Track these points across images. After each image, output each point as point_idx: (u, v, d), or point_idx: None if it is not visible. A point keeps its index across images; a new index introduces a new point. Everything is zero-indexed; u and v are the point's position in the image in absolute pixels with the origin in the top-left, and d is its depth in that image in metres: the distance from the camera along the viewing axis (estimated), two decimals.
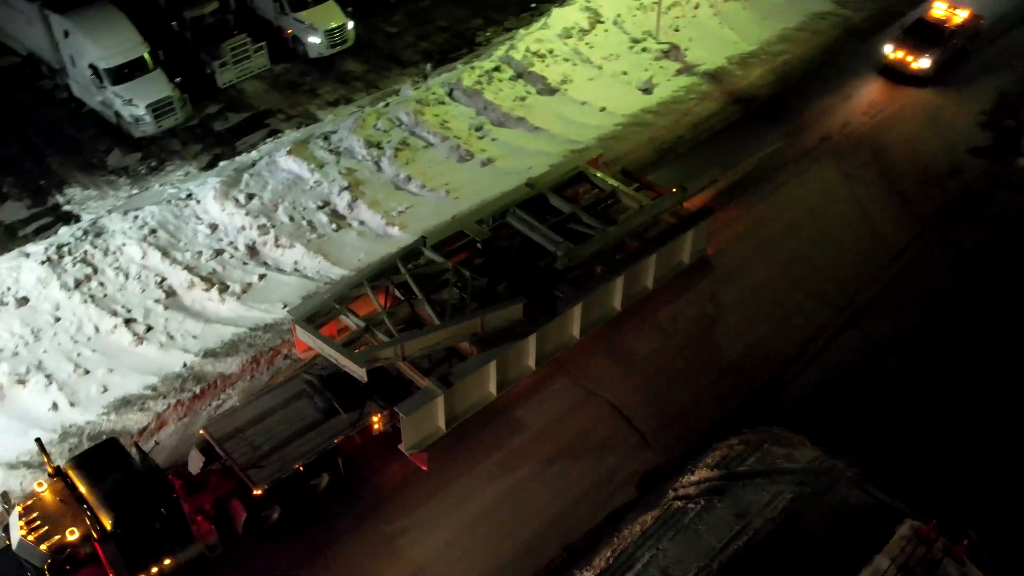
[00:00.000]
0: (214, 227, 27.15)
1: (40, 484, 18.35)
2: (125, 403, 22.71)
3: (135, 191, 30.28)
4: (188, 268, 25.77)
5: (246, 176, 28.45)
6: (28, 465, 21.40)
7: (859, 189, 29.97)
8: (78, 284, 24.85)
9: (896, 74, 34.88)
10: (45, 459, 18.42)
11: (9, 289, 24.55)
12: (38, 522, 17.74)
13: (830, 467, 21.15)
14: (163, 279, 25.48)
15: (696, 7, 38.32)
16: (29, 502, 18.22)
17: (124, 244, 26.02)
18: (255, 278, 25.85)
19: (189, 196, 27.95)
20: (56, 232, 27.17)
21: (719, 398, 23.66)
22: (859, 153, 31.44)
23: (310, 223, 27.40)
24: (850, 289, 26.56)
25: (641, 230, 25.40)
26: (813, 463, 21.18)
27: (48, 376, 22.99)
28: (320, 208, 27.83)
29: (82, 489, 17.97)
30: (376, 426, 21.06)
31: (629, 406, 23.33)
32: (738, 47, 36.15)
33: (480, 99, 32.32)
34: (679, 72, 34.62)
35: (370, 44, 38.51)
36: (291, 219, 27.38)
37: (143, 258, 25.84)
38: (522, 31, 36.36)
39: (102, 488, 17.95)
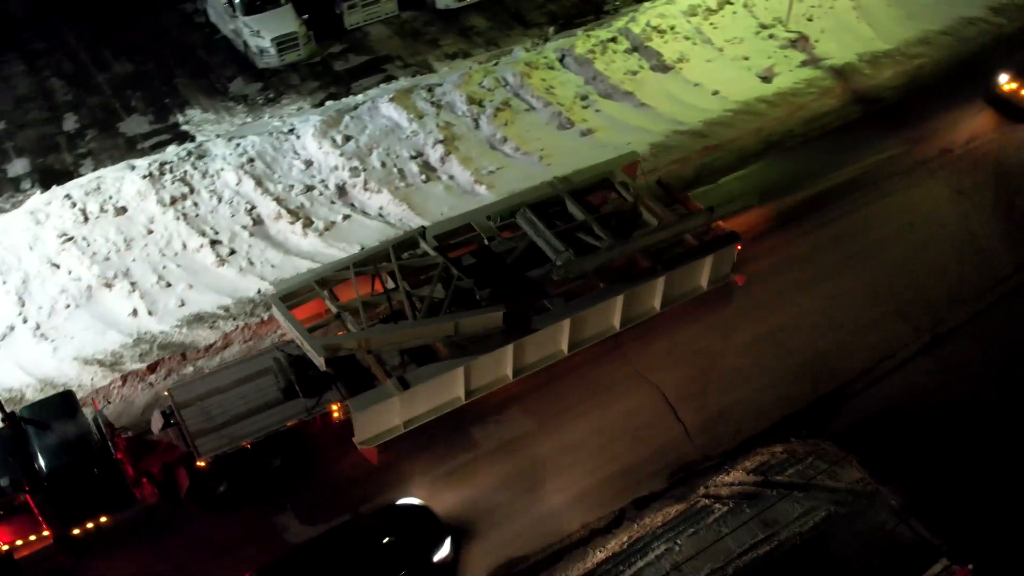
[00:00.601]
0: (309, 163, 28.01)
1: None
2: (198, 319, 23.89)
3: (248, 119, 31.50)
4: (278, 200, 26.74)
5: (347, 118, 29.16)
6: (101, 363, 22.92)
7: (970, 208, 28.19)
8: (174, 201, 26.18)
9: (1009, 107, 31.71)
10: None
11: (111, 198, 26.07)
12: None
13: (873, 492, 20.42)
14: (253, 207, 26.54)
15: None
16: None
17: (222, 169, 27.19)
18: (339, 217, 26.61)
19: (291, 131, 28.89)
20: (165, 150, 28.65)
21: (774, 402, 23.07)
22: (978, 172, 29.52)
23: (401, 171, 27.91)
24: (938, 311, 25.19)
25: (656, 248, 23.81)
26: (856, 484, 20.48)
27: (133, 284, 24.41)
28: (413, 158, 28.29)
29: (26, 437, 18.62)
30: (335, 415, 20.70)
31: (678, 397, 23.06)
32: (872, 44, 34.32)
33: (590, 68, 31.98)
34: (803, 64, 33.21)
35: (498, 1, 38.61)
36: (383, 165, 27.95)
37: (237, 184, 26.95)
38: (647, 3, 35.64)
39: (43, 439, 18.56)
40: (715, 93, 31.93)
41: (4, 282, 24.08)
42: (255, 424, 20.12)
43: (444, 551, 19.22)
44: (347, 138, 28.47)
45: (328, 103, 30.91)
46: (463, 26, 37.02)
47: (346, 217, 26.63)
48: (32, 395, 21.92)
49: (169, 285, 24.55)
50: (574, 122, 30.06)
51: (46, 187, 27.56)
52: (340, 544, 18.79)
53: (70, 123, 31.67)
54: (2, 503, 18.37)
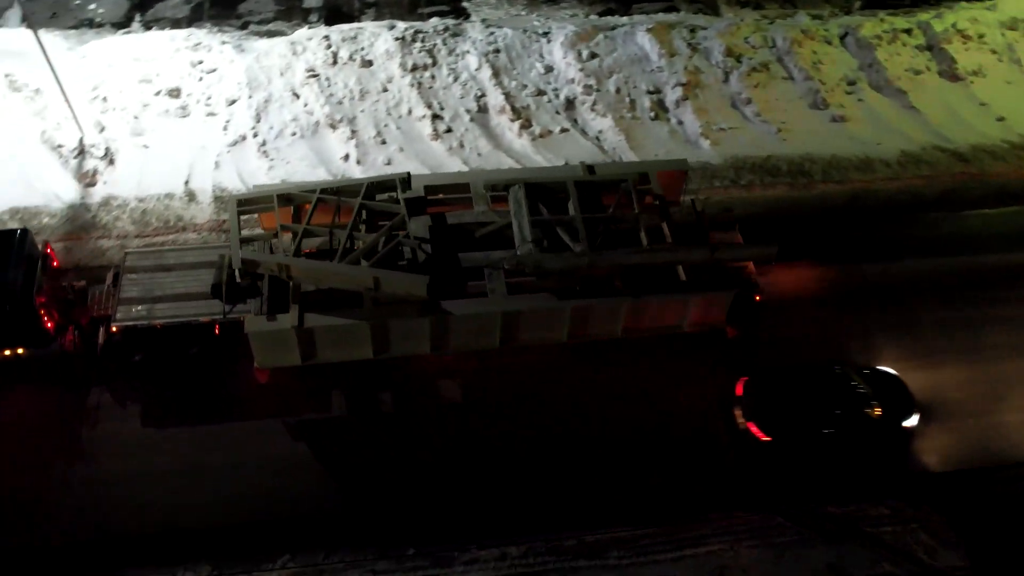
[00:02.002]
0: (549, 69, 28.41)
1: None
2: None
3: (522, 13, 32.20)
4: (507, 95, 27.45)
5: (601, 36, 29.11)
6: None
7: None
8: (415, 69, 27.58)
9: None
10: None
11: (362, 49, 27.85)
12: None
13: None
14: (482, 95, 27.45)
15: None
16: None
17: (468, 52, 28.22)
18: (557, 128, 26.98)
19: (545, 34, 29.32)
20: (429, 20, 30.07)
21: (927, 451, 21.52)
22: None
23: (632, 102, 27.70)
24: None
25: (648, 267, 20.59)
26: (947, 571, 18.77)
27: (353, 132, 26.23)
28: (649, 92, 27.93)
29: None
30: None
31: None
32: None
33: (870, 54, 29.74)
34: None
35: None
36: (617, 91, 27.84)
37: (477, 70, 27.90)
38: (964, 2, 32.34)
39: None
40: (1000, 119, 28.82)
41: (250, 96, 26.65)
42: (174, 310, 20.70)
43: (912, 420, 21.50)
44: (593, 55, 28.51)
45: (589, 17, 30.98)
46: None
47: (564, 130, 26.98)
48: None
49: (384, 143, 26.17)
50: (829, 104, 28.31)
51: (330, 25, 29.94)
52: (821, 379, 21.66)
53: None
54: None
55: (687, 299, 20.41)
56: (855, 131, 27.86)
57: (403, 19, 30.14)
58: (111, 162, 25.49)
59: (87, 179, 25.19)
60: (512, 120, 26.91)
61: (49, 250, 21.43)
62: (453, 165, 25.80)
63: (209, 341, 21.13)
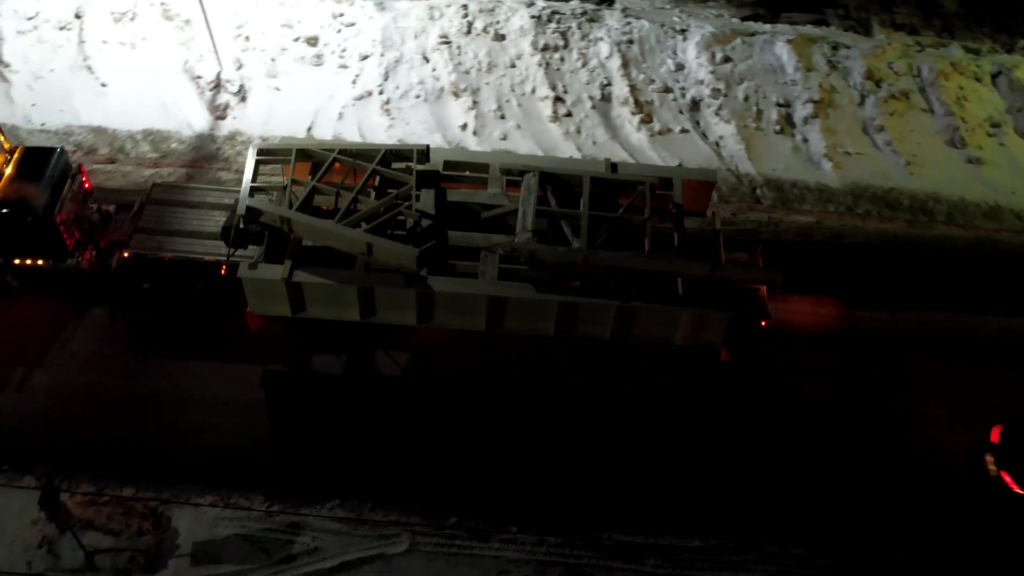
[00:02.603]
0: (679, 67, 28.05)
1: None
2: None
3: (666, 7, 31.78)
4: (633, 87, 27.28)
5: (738, 40, 28.53)
6: None
7: None
8: (545, 48, 27.67)
9: None
10: (2, 137, 21.77)
11: (498, 23, 28.09)
12: None
13: None
14: (608, 84, 27.35)
15: None
16: None
17: (601, 39, 28.11)
18: (678, 128, 26.69)
19: (682, 31, 28.91)
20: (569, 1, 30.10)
21: None
22: None
23: (759, 112, 27.09)
24: None
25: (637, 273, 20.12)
26: None
27: (475, 103, 26.59)
28: (778, 105, 27.24)
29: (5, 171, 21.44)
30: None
31: None
32: None
33: (1021, 98, 28.19)
34: None
35: None
36: (745, 99, 27.26)
37: (607, 58, 27.78)
38: None
39: (10, 181, 21.26)
40: None
41: (382, 54, 27.30)
42: (184, 245, 21.49)
43: None
44: (727, 59, 27.98)
45: (730, 21, 30.36)
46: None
47: (684, 131, 26.66)
48: None
49: (503, 117, 26.44)
50: (967, 144, 27.02)
51: None
52: None
53: None
54: None
55: (679, 313, 19.82)
56: (990, 176, 26.55)
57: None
58: (243, 99, 26.61)
59: (218, 112, 26.39)
60: (633, 113, 26.73)
61: (83, 172, 22.75)
62: (567, 149, 25.89)
63: (215, 280, 21.68)
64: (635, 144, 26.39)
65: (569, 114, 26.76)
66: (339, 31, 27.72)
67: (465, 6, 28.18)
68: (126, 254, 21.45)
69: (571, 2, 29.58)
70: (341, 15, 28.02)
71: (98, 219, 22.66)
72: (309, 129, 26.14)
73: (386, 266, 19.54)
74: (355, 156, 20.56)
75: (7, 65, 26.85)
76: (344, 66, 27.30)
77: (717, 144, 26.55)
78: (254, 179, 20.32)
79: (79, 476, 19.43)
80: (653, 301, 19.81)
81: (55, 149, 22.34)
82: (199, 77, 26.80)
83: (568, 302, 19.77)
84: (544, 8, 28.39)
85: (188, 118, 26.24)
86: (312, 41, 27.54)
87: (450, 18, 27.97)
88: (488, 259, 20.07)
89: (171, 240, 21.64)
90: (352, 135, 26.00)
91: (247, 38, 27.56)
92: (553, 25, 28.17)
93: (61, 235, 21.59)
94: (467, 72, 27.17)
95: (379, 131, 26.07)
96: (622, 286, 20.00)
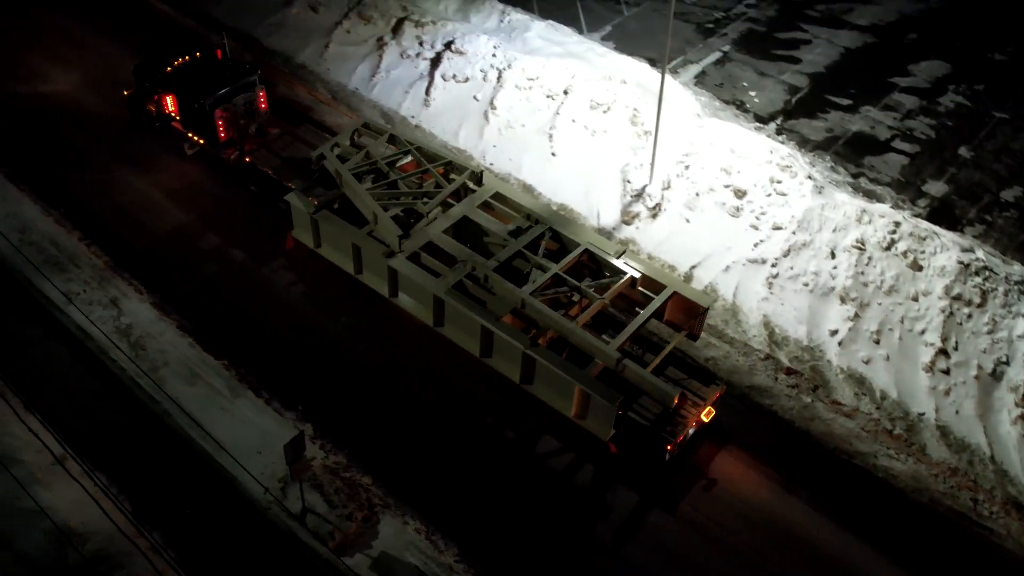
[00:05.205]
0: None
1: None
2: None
3: None
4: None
5: None
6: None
7: None
8: (957, 297, 25.54)
9: None
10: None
11: (923, 252, 26.31)
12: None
13: None
14: (1006, 362, 24.63)
15: None
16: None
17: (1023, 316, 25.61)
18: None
19: None
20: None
21: None
22: None
23: None
24: None
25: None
26: None
27: (856, 316, 25.63)
28: None
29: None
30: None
31: None
32: None
33: None
34: None
35: None
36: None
37: (1019, 336, 25.08)
38: None
39: (199, 77, 29.31)
40: None
41: (794, 232, 27.19)
42: (264, 158, 28.84)
43: None
44: None
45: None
46: None
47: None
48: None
49: (877, 343, 25.21)
50: None
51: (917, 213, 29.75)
52: None
53: None
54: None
55: (571, 384, 20.96)
56: None
57: (1005, 256, 28.26)
58: (654, 216, 28.53)
59: (627, 217, 28.63)
60: (1017, 405, 23.90)
61: (262, 94, 29.48)
62: (927, 404, 24.10)
63: (266, 187, 28.86)
64: (1002, 434, 23.71)
65: (947, 371, 24.70)
66: (768, 195, 28.35)
67: (898, 223, 27.16)
68: (247, 160, 28.88)
69: (1014, 266, 27.22)
70: (779, 182, 28.60)
71: (253, 131, 29.41)
72: (693, 267, 27.30)
73: (383, 238, 24.04)
74: (421, 151, 26.75)
75: (494, 108, 31.61)
76: (755, 227, 27.89)
77: None
78: (348, 141, 27.29)
79: (341, 448, 22.53)
80: (554, 361, 21.29)
81: (249, 66, 30.15)
82: (628, 182, 29.20)
83: (488, 327, 22.01)
84: (977, 259, 26.41)
85: (600, 210, 28.81)
86: (740, 193, 28.53)
87: (877, 227, 27.14)
88: (457, 269, 23.26)
89: (260, 155, 28.93)
90: (726, 289, 26.65)
91: (687, 167, 29.32)
92: (978, 279, 26.08)
93: (217, 126, 28.78)
94: (865, 284, 26.27)
95: (751, 297, 26.42)
96: (560, 348, 22.20)
